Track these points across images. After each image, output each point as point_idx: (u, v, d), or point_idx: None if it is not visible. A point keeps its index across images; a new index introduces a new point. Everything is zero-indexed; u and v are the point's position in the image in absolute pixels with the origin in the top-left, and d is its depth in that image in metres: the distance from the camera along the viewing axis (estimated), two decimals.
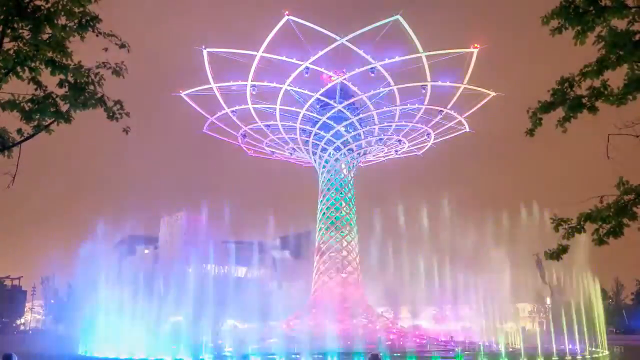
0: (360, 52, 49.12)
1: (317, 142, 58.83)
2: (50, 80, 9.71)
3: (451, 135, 61.61)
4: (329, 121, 56.71)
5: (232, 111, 56.53)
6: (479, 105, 56.20)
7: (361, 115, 57.08)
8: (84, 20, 9.46)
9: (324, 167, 60.19)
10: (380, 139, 60.40)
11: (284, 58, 50.34)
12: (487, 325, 56.38)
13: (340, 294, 55.83)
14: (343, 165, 60.18)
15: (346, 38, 47.92)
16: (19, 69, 9.34)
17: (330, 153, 59.15)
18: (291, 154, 63.25)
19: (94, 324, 47.72)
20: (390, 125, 58.82)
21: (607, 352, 50.13)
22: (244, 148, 64.24)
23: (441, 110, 55.86)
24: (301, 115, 55.92)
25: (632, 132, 9.49)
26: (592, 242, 9.89)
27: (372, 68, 50.04)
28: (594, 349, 49.72)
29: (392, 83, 53.11)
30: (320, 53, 49.42)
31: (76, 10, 9.31)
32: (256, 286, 60.64)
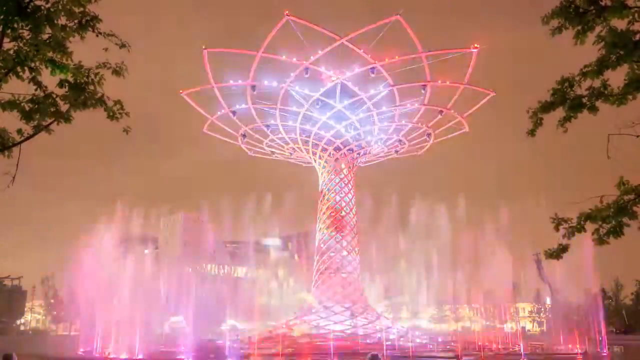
0: (360, 52, 49.07)
1: (317, 142, 58.78)
2: (50, 80, 9.70)
3: (451, 135, 61.68)
4: (329, 121, 56.67)
5: (232, 111, 56.50)
6: (479, 105, 56.29)
7: (361, 115, 57.00)
8: (84, 20, 9.45)
9: (324, 167, 60.14)
10: (380, 138, 60.34)
11: (284, 58, 50.32)
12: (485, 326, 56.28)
13: (340, 294, 55.78)
14: (343, 165, 60.11)
15: (346, 38, 47.91)
16: (19, 69, 9.32)
17: (330, 153, 59.10)
18: (291, 154, 63.15)
19: (94, 324, 47.64)
20: (391, 125, 58.77)
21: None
22: (244, 148, 64.22)
23: (441, 111, 55.87)
24: (301, 115, 55.87)
25: (632, 132, 9.49)
26: (592, 241, 9.89)
27: (372, 68, 49.98)
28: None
29: (391, 83, 53.04)
30: (321, 53, 49.41)
31: (76, 10, 9.30)
32: (256, 286, 60.58)
